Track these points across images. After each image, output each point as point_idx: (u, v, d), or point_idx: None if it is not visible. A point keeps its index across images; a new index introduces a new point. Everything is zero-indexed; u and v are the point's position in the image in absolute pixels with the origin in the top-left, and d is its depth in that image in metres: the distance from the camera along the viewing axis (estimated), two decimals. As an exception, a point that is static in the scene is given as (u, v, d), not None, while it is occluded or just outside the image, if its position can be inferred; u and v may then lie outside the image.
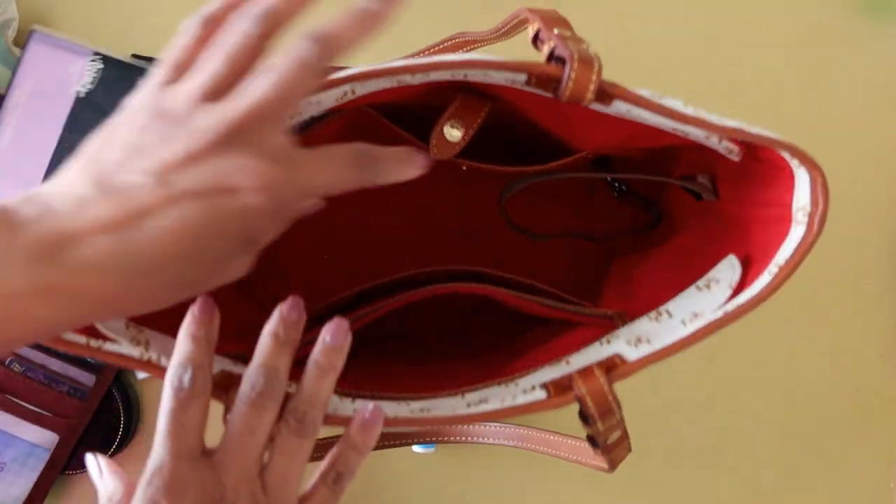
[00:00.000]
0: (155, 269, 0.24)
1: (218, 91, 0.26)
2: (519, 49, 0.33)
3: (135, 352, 0.32)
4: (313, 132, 0.40)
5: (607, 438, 0.32)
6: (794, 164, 0.30)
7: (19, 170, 0.51)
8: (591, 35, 0.32)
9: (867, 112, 0.54)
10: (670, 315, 0.33)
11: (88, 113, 0.51)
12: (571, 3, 0.54)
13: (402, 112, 0.43)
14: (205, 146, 0.24)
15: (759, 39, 0.55)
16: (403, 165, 0.28)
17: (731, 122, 0.30)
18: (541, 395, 0.31)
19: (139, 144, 0.25)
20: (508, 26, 0.36)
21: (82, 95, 0.51)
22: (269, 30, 0.26)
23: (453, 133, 0.37)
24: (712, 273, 0.34)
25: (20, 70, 0.51)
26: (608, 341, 0.33)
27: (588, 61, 0.28)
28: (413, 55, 0.44)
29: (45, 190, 0.25)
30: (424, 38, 0.43)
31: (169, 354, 0.33)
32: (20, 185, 0.51)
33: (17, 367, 0.50)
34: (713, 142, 0.33)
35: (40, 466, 0.50)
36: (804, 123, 0.54)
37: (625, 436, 0.33)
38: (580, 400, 0.30)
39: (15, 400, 0.49)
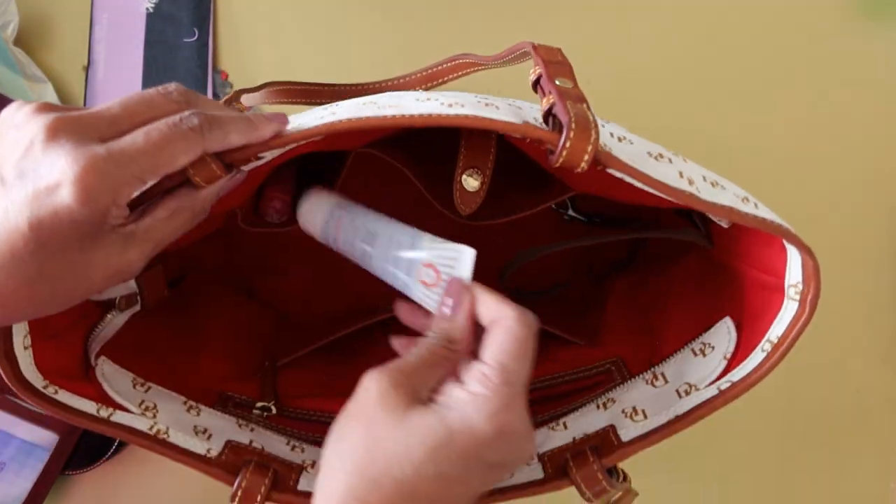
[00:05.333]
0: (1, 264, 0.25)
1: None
2: (523, 74, 0.32)
3: (144, 424, 0.32)
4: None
5: None
6: (785, 242, 0.29)
7: (119, 95, 0.56)
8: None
9: (867, 112, 0.54)
10: (666, 380, 0.34)
11: (161, 24, 0.54)
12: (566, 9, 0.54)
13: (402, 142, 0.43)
14: (33, 145, 0.25)
15: (757, 39, 0.55)
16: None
17: (723, 201, 0.29)
18: (538, 473, 0.33)
19: None
20: (511, 56, 0.35)
21: (151, 10, 0.55)
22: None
23: (472, 183, 0.36)
24: (708, 336, 0.35)
25: (95, 5, 0.55)
26: (604, 406, 0.35)
27: (585, 128, 0.27)
28: (411, 75, 0.44)
29: None
30: (425, 51, 0.42)
31: (177, 424, 0.33)
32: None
33: (16, 367, 0.50)
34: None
35: (40, 466, 0.50)
36: (803, 124, 0.54)
37: (627, 493, 0.33)
38: (575, 485, 0.32)
39: (15, 400, 0.49)
